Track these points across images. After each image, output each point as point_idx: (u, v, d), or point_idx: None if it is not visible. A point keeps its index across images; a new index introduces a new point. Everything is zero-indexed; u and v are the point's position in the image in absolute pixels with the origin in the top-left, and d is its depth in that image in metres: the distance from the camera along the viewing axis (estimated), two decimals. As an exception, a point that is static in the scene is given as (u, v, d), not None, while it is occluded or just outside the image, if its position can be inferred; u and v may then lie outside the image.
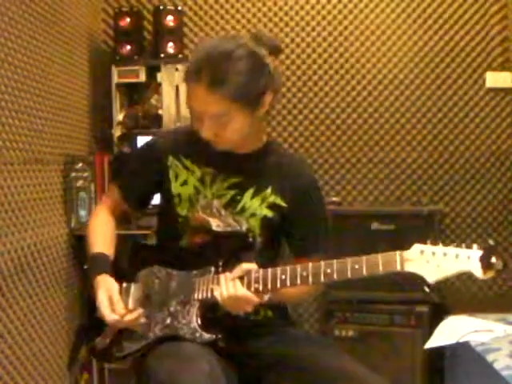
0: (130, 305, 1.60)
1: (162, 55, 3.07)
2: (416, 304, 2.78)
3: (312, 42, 3.36)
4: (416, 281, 1.36)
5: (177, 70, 3.04)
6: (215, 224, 1.65)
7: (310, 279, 1.46)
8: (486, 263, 1.29)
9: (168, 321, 1.58)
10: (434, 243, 1.36)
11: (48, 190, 2.55)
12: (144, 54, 3.14)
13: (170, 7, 3.15)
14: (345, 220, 2.90)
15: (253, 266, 1.52)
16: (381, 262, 1.39)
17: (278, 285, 1.48)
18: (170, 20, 3.10)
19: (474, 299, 3.23)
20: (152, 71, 3.09)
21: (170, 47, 3.08)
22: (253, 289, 1.49)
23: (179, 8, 3.18)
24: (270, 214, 1.64)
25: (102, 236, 1.72)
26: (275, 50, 1.59)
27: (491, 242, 1.30)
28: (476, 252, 1.31)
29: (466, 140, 3.35)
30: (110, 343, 1.61)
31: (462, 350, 2.39)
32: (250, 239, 1.64)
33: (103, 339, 1.62)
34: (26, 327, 2.26)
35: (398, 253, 1.38)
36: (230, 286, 1.49)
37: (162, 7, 3.12)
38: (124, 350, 1.60)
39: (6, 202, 2.15)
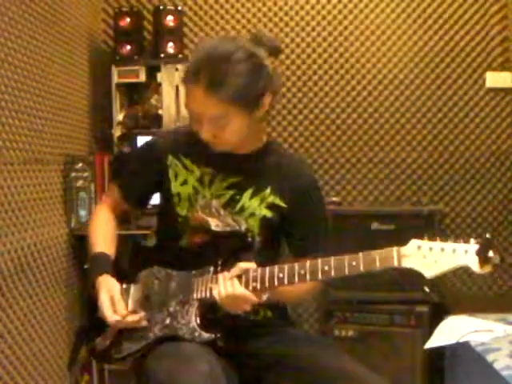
0: (130, 306, 1.60)
1: (162, 55, 3.07)
2: (416, 304, 2.77)
3: (312, 42, 3.36)
4: (414, 277, 1.36)
5: (177, 69, 3.04)
6: (214, 224, 1.65)
7: (308, 277, 1.46)
8: (483, 257, 1.29)
9: (167, 321, 1.58)
10: (432, 238, 1.36)
11: (48, 189, 2.55)
12: (144, 54, 3.14)
13: (170, 7, 3.15)
14: (345, 220, 2.90)
15: (251, 264, 1.52)
16: (378, 258, 1.39)
17: (276, 283, 1.48)
18: (169, 20, 3.10)
19: (474, 299, 3.22)
20: (152, 71, 3.09)
21: (170, 47, 3.08)
22: (251, 287, 1.49)
23: (179, 8, 3.18)
24: (269, 214, 1.65)
25: (103, 235, 1.73)
26: (275, 51, 1.59)
27: (488, 235, 1.30)
28: (473, 246, 1.31)
29: (466, 140, 3.35)
30: (110, 344, 1.61)
31: (462, 349, 2.39)
32: (249, 239, 1.64)
33: (103, 340, 1.62)
34: (25, 327, 2.26)
35: (395, 248, 1.38)
36: (228, 285, 1.49)
37: (162, 7, 3.12)
38: (124, 350, 1.60)
39: (6, 202, 2.15)
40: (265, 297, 1.53)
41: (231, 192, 1.65)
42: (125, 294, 1.62)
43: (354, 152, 3.38)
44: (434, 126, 3.35)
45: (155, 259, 1.70)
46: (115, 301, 1.56)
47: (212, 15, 3.35)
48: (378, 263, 1.39)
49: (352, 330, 2.83)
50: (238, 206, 1.64)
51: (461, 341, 2.36)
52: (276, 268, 1.49)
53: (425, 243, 1.36)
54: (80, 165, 2.77)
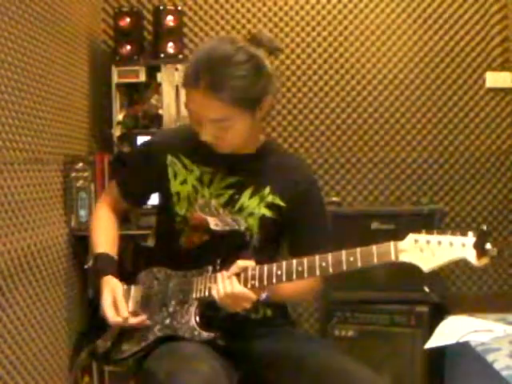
0: (130, 307, 1.61)
1: (162, 55, 3.07)
2: (416, 304, 2.77)
3: (312, 42, 3.36)
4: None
5: (177, 69, 3.04)
6: (214, 223, 1.65)
7: (306, 274, 1.46)
8: (480, 250, 1.29)
9: (167, 321, 1.58)
10: (429, 232, 1.36)
11: (48, 189, 2.55)
12: (144, 54, 3.14)
13: (170, 7, 3.15)
14: (345, 220, 2.90)
15: (249, 262, 1.52)
16: (375, 254, 1.39)
17: (274, 280, 1.48)
18: (169, 20, 3.10)
19: (474, 299, 3.23)
20: (152, 71, 3.09)
21: (170, 47, 3.08)
22: (249, 285, 1.49)
23: (179, 8, 3.18)
24: (268, 213, 1.65)
25: (105, 235, 1.73)
26: (275, 51, 1.59)
27: (485, 227, 1.29)
28: (470, 239, 1.31)
29: (465, 140, 3.35)
30: (110, 346, 1.61)
31: (462, 350, 2.39)
32: (248, 237, 1.64)
33: (104, 342, 1.62)
34: (25, 327, 2.26)
35: (392, 243, 1.38)
36: (227, 284, 1.49)
37: (161, 7, 3.12)
38: (124, 352, 1.60)
39: (6, 202, 2.15)
40: (264, 295, 1.53)
41: (230, 191, 1.65)
42: (125, 295, 1.62)
43: (353, 152, 3.38)
44: (434, 126, 3.36)
45: (154, 259, 1.70)
46: (117, 302, 1.57)
47: (212, 15, 3.35)
48: (375, 258, 1.39)
49: (352, 330, 2.83)
50: (238, 206, 1.64)
51: (461, 341, 2.36)
52: (274, 266, 1.49)
53: (422, 237, 1.36)
54: (80, 165, 2.77)
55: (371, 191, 3.38)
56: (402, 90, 3.35)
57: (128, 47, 3.08)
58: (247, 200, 1.64)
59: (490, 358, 2.16)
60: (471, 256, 1.30)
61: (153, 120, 3.07)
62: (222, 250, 1.62)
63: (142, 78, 3.08)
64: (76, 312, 2.72)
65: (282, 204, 1.65)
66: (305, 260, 1.47)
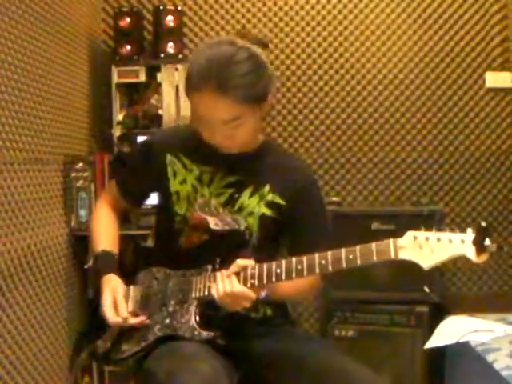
0: (130, 307, 1.60)
1: (162, 55, 3.07)
2: (416, 304, 2.77)
3: (312, 42, 3.36)
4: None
5: (177, 69, 3.04)
6: (213, 223, 1.65)
7: (305, 272, 1.46)
8: (479, 246, 1.29)
9: (167, 321, 1.58)
10: (428, 229, 1.36)
11: (48, 189, 2.55)
12: (144, 54, 3.14)
13: (170, 7, 3.15)
14: (345, 220, 2.90)
15: (248, 261, 1.52)
16: (375, 251, 1.39)
17: (274, 279, 1.48)
18: (169, 20, 3.10)
19: (474, 299, 3.23)
20: (152, 71, 3.09)
21: (170, 47, 3.08)
22: (249, 284, 1.49)
23: (179, 8, 3.18)
24: (268, 212, 1.65)
25: (106, 233, 1.74)
26: (263, 45, 1.60)
27: (484, 224, 1.29)
28: (469, 236, 1.31)
29: (465, 140, 3.35)
30: (110, 346, 1.61)
31: (462, 350, 2.39)
32: (247, 236, 1.64)
33: (104, 342, 1.62)
34: (25, 327, 2.26)
35: (391, 240, 1.38)
36: (227, 283, 1.49)
37: (161, 7, 3.12)
38: (124, 352, 1.60)
39: (6, 202, 2.15)
40: (263, 293, 1.53)
41: (230, 191, 1.65)
42: (125, 295, 1.62)
43: (353, 152, 3.38)
44: (434, 126, 3.36)
45: (154, 259, 1.70)
46: (117, 302, 1.57)
47: (212, 15, 3.35)
48: (374, 256, 1.39)
49: (352, 330, 2.83)
50: (237, 205, 1.64)
51: (461, 341, 2.36)
52: (274, 264, 1.49)
53: (421, 234, 1.35)
54: (80, 165, 2.77)
55: (371, 191, 3.39)
56: (402, 90, 3.36)
57: (128, 47, 3.08)
58: (247, 199, 1.65)
59: (490, 358, 2.16)
60: (470, 252, 1.30)
61: (153, 120, 3.07)
62: (222, 249, 1.62)
63: (142, 78, 3.08)
64: (76, 312, 2.72)
65: (281, 202, 1.65)
66: (304, 258, 1.47)
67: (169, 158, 1.69)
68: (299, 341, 1.65)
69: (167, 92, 3.05)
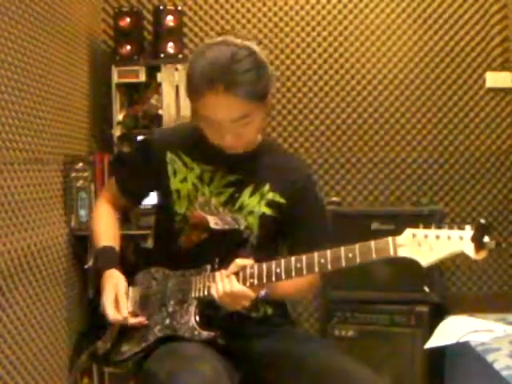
0: (129, 308, 1.60)
1: (162, 55, 3.07)
2: (416, 304, 2.77)
3: (312, 42, 3.36)
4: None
5: (177, 69, 3.04)
6: (213, 222, 1.65)
7: (305, 271, 1.46)
8: (478, 243, 1.28)
9: (167, 321, 1.58)
10: (427, 227, 1.36)
11: (48, 189, 2.55)
12: (144, 54, 3.14)
13: (170, 7, 3.15)
14: (345, 220, 2.90)
15: (247, 261, 1.52)
16: (374, 249, 1.39)
17: (273, 278, 1.48)
18: (169, 20, 3.10)
19: (474, 299, 3.23)
20: (152, 71, 3.09)
21: (170, 47, 3.08)
22: (248, 284, 1.49)
23: (179, 8, 3.18)
24: (268, 211, 1.65)
25: (107, 230, 1.74)
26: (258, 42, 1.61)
27: (482, 221, 1.29)
28: (468, 232, 1.31)
29: (465, 140, 3.35)
30: (110, 347, 1.61)
31: (462, 350, 2.39)
32: (246, 236, 1.64)
33: (104, 343, 1.62)
34: (25, 327, 2.26)
35: (390, 238, 1.38)
36: (226, 283, 1.49)
37: (162, 7, 3.12)
38: (124, 353, 1.60)
39: (6, 202, 2.15)
40: (262, 292, 1.53)
41: (231, 190, 1.65)
42: (126, 293, 1.62)
43: (353, 152, 3.38)
44: (434, 126, 3.36)
45: (153, 259, 1.70)
46: (119, 299, 1.58)
47: (212, 15, 3.35)
48: (374, 253, 1.39)
49: (352, 329, 2.83)
50: (238, 204, 1.65)
51: (461, 341, 2.36)
52: (273, 263, 1.49)
53: (420, 231, 1.36)
54: (80, 165, 2.77)
55: (371, 191, 3.39)
56: (402, 90, 3.36)
57: (128, 47, 3.08)
58: (247, 198, 1.65)
59: (490, 357, 2.16)
60: (469, 249, 1.30)
61: (153, 120, 3.07)
62: (221, 248, 1.62)
63: (142, 78, 3.08)
64: (76, 312, 2.72)
65: (282, 201, 1.66)
66: (303, 257, 1.47)
67: (169, 156, 1.69)
68: (299, 341, 1.65)
69: (167, 92, 3.05)
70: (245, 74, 1.48)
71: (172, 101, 3.04)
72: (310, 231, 1.69)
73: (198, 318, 1.55)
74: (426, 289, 2.75)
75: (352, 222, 2.89)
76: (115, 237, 1.75)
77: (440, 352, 2.60)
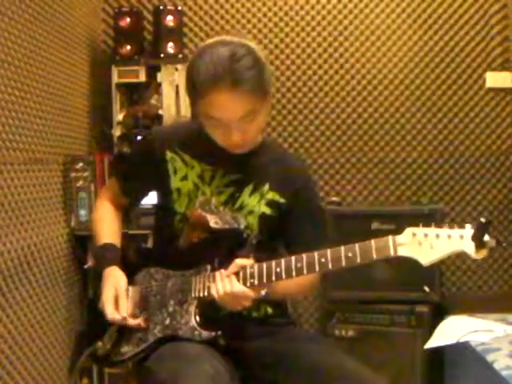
0: (129, 308, 1.60)
1: (162, 55, 3.07)
2: (416, 304, 2.77)
3: (312, 42, 3.36)
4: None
5: (177, 69, 3.04)
6: (213, 221, 1.65)
7: (305, 270, 1.46)
8: (478, 242, 1.28)
9: (167, 321, 1.58)
10: (427, 226, 1.35)
11: (48, 189, 2.55)
12: (144, 54, 3.14)
13: (170, 7, 3.15)
14: (345, 220, 2.90)
15: (247, 261, 1.52)
16: (374, 248, 1.39)
17: (274, 278, 1.48)
18: (169, 20, 3.10)
19: (474, 299, 3.23)
20: (152, 71, 3.09)
21: (170, 47, 3.08)
22: (248, 284, 1.49)
23: (179, 8, 3.18)
24: (268, 210, 1.65)
25: (108, 228, 1.75)
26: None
27: (483, 219, 1.29)
28: (469, 231, 1.31)
29: (466, 140, 3.35)
30: (110, 348, 1.61)
31: (462, 349, 2.39)
32: (246, 235, 1.64)
33: (104, 344, 1.62)
34: (25, 327, 2.26)
35: (390, 237, 1.38)
36: (226, 283, 1.49)
37: (162, 7, 3.12)
38: (125, 354, 1.59)
39: (6, 202, 2.15)
40: (263, 292, 1.53)
41: (231, 189, 1.65)
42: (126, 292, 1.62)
43: (353, 152, 3.38)
44: (434, 126, 3.36)
45: (153, 259, 1.70)
46: (119, 298, 1.58)
47: (212, 15, 3.35)
48: (374, 253, 1.39)
49: (352, 329, 2.83)
50: (238, 204, 1.65)
51: (461, 341, 2.36)
52: (273, 263, 1.49)
53: (420, 230, 1.36)
54: (80, 165, 2.77)
55: (371, 191, 3.38)
56: (402, 90, 3.35)
57: (128, 47, 3.08)
58: (247, 198, 1.65)
59: (490, 358, 2.16)
60: (469, 248, 1.30)
61: (153, 120, 3.07)
62: (221, 248, 1.62)
63: (142, 78, 3.08)
64: (76, 312, 2.72)
65: (281, 201, 1.66)
66: (304, 256, 1.47)
67: (169, 154, 1.69)
68: (299, 341, 1.65)
69: (167, 92, 3.05)
70: (247, 70, 1.48)
71: (172, 101, 3.04)
72: (308, 231, 1.69)
73: (198, 318, 1.54)
74: (426, 289, 2.75)
75: (352, 222, 2.89)
76: (117, 234, 1.75)
77: (440, 352, 2.60)
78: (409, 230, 1.37)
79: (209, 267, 1.58)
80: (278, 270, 1.48)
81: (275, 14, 3.36)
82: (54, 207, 2.60)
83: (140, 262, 1.73)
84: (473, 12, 3.31)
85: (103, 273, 1.63)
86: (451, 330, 2.50)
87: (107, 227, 1.75)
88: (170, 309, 1.59)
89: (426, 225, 1.36)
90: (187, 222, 1.67)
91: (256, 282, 1.49)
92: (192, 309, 1.56)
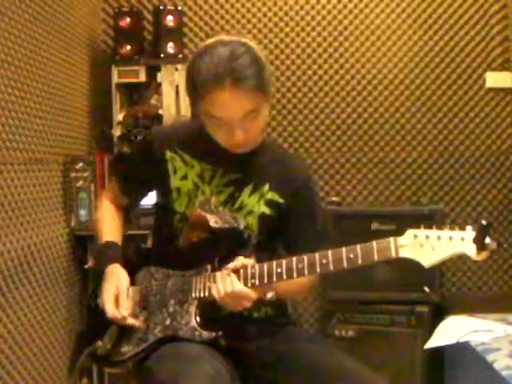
0: (129, 308, 1.60)
1: (162, 55, 3.07)
2: (416, 304, 2.77)
3: (312, 42, 3.36)
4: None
5: (177, 69, 3.04)
6: (213, 221, 1.65)
7: (306, 271, 1.46)
8: (479, 244, 1.28)
9: (167, 322, 1.58)
10: (428, 228, 1.35)
11: (48, 189, 2.55)
12: (144, 54, 3.14)
13: (170, 7, 3.15)
14: (345, 220, 2.90)
15: (248, 260, 1.52)
16: (375, 250, 1.39)
17: (275, 278, 1.48)
18: (169, 20, 3.10)
19: (474, 299, 3.23)
20: (152, 71, 3.09)
21: (170, 47, 3.08)
22: (249, 284, 1.49)
23: (179, 8, 3.18)
24: (267, 211, 1.65)
25: (109, 227, 1.75)
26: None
27: (484, 221, 1.28)
28: (470, 233, 1.31)
29: (466, 140, 3.35)
30: (110, 348, 1.61)
31: (462, 349, 2.39)
32: (246, 236, 1.64)
33: (104, 344, 1.61)
34: (25, 327, 2.26)
35: (392, 239, 1.38)
36: (227, 283, 1.49)
37: (162, 7, 3.12)
38: (125, 353, 1.59)
39: (6, 202, 2.15)
40: (269, 295, 1.53)
41: (231, 189, 1.65)
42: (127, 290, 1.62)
43: (353, 152, 3.38)
44: (434, 126, 3.36)
45: (152, 259, 1.70)
46: (120, 297, 1.58)
47: (212, 15, 3.35)
48: (375, 254, 1.39)
49: (352, 329, 2.83)
50: (238, 203, 1.65)
51: (461, 341, 2.36)
52: (274, 263, 1.49)
53: (421, 232, 1.35)
54: (80, 165, 2.77)
55: (371, 191, 3.38)
56: (402, 90, 3.35)
57: (128, 47, 3.08)
58: (247, 197, 1.65)
59: (490, 358, 2.16)
60: (471, 250, 1.30)
61: (153, 120, 3.07)
62: (221, 247, 1.62)
63: (142, 78, 3.09)
64: (76, 312, 2.72)
65: (281, 201, 1.66)
66: (305, 257, 1.47)
67: (169, 154, 1.69)
68: (300, 341, 1.65)
69: (167, 92, 3.04)
70: (247, 68, 1.48)
71: (172, 101, 3.04)
72: (308, 231, 1.69)
73: (198, 319, 1.54)
74: (426, 289, 2.75)
75: (352, 222, 2.89)
76: (118, 233, 1.76)
77: (440, 352, 2.61)
78: (410, 232, 1.37)
79: (209, 267, 1.57)
80: (279, 270, 1.48)
81: (275, 14, 3.36)
82: (54, 207, 2.60)
83: (140, 261, 1.73)
84: (473, 12, 3.31)
85: (105, 270, 1.63)
86: (451, 330, 2.50)
87: (108, 226, 1.76)
88: (171, 309, 1.59)
89: (427, 225, 1.36)
90: (187, 222, 1.67)
91: (257, 283, 1.49)
92: (192, 309, 1.56)
